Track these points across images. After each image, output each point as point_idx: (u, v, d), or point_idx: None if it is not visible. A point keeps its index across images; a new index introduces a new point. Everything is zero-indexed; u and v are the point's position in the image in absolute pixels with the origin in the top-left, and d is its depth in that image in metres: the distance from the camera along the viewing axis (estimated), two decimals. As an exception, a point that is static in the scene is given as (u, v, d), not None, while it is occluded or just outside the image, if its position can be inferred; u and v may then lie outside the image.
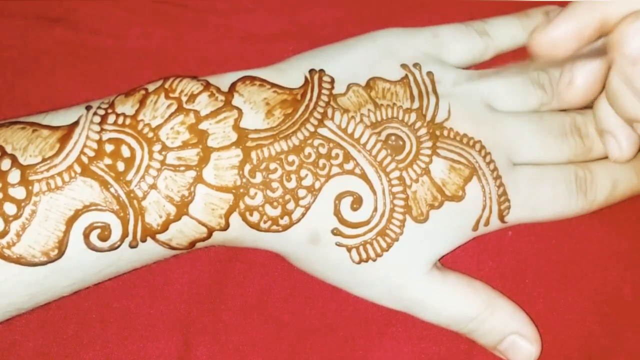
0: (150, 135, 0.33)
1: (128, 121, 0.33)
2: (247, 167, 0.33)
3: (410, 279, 0.35)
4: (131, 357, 0.37)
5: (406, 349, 0.38)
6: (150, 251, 0.33)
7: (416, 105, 0.36)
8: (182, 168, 0.32)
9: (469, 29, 0.39)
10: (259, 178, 0.33)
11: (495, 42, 0.40)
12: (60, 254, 0.32)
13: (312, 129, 0.34)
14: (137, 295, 0.38)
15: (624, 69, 0.31)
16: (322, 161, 0.34)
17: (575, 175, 0.37)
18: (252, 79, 0.35)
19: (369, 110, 0.35)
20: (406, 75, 0.37)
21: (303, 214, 0.34)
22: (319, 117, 0.34)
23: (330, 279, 0.36)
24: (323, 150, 0.34)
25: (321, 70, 0.36)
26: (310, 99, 0.35)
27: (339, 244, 0.34)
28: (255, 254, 0.38)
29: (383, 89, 0.36)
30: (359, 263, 0.35)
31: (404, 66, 0.37)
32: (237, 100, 0.34)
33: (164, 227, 0.33)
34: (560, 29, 0.33)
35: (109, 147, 0.32)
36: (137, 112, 0.33)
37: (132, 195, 0.32)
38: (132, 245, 0.33)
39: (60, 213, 0.31)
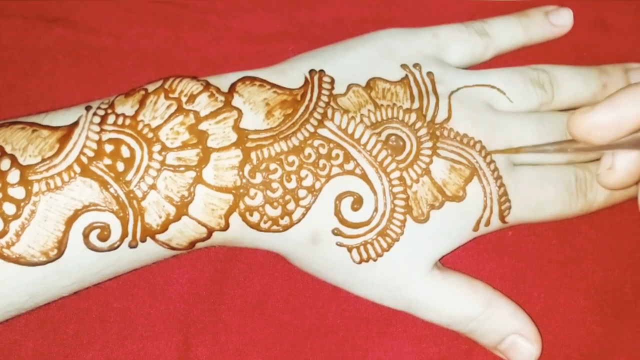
0: (150, 135, 0.33)
1: (128, 121, 0.33)
2: (247, 168, 0.33)
3: (410, 279, 0.35)
4: (131, 357, 0.37)
5: (406, 349, 0.38)
6: (149, 251, 0.33)
7: (416, 105, 0.36)
8: (181, 168, 0.32)
9: (469, 29, 0.39)
10: (259, 178, 0.33)
11: (495, 42, 0.40)
12: (60, 254, 0.32)
13: (312, 129, 0.34)
14: (137, 295, 0.38)
15: None
16: (322, 161, 0.34)
17: (576, 176, 0.37)
18: (252, 79, 0.35)
19: (369, 110, 0.35)
20: (406, 76, 0.37)
21: (303, 214, 0.34)
22: (319, 117, 0.34)
23: (330, 279, 0.36)
24: (323, 151, 0.34)
25: (321, 71, 0.36)
26: (310, 100, 0.35)
27: (339, 244, 0.34)
28: (255, 254, 0.38)
29: (383, 89, 0.36)
30: (359, 263, 0.35)
31: (404, 66, 0.37)
32: (237, 101, 0.34)
33: (164, 227, 0.33)
34: (600, 116, 0.33)
35: (108, 148, 0.32)
36: (137, 112, 0.33)
37: (131, 195, 0.32)
38: (132, 246, 0.33)
39: (59, 213, 0.31)
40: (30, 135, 0.33)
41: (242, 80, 0.35)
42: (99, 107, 0.34)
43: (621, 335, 0.39)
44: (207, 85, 0.34)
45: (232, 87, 0.35)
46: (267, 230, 0.34)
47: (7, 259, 0.31)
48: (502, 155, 0.36)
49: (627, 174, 0.35)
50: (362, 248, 0.34)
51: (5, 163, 0.32)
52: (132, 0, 0.42)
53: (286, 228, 0.34)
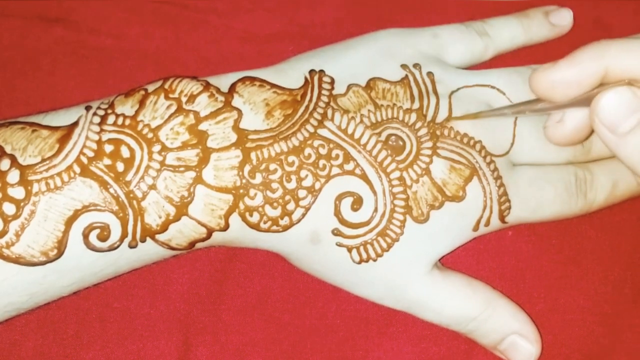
0: (150, 135, 0.33)
1: (128, 122, 0.33)
2: (247, 168, 0.33)
3: (410, 279, 0.35)
4: (131, 357, 0.37)
5: (406, 349, 0.38)
6: (149, 251, 0.33)
7: (416, 105, 0.36)
8: (181, 169, 0.32)
9: (469, 29, 0.39)
10: (258, 179, 0.33)
11: (495, 42, 0.40)
12: (60, 254, 0.32)
13: (312, 129, 0.34)
14: (137, 295, 0.38)
15: (601, 135, 0.32)
16: (322, 162, 0.34)
17: (575, 176, 0.37)
18: (252, 79, 0.35)
19: (369, 110, 0.35)
20: (406, 76, 0.37)
21: (303, 215, 0.34)
22: (319, 117, 0.34)
23: (330, 279, 0.36)
24: (323, 151, 0.34)
25: (321, 71, 0.36)
26: (310, 100, 0.35)
27: (339, 244, 0.34)
28: (255, 254, 0.38)
29: (383, 89, 0.36)
30: (359, 263, 0.35)
31: (404, 66, 0.37)
32: (236, 101, 0.34)
33: (164, 228, 0.33)
34: (561, 73, 0.33)
35: (108, 148, 0.32)
36: (137, 112, 0.33)
37: (131, 195, 0.32)
38: (132, 246, 0.33)
39: (59, 213, 0.31)
40: (30, 135, 0.33)
41: (242, 80, 0.35)
42: (98, 107, 0.34)
43: (621, 335, 0.39)
44: (207, 86, 0.34)
45: (232, 87, 0.35)
46: (267, 231, 0.34)
47: (7, 259, 0.31)
48: (502, 155, 0.36)
49: (574, 129, 0.35)
50: (362, 248, 0.34)
51: (5, 163, 0.32)
52: (132, 0, 0.42)
53: (286, 228, 0.34)
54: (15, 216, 0.31)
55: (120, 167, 0.32)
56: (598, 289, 0.39)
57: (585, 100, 0.32)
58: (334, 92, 0.35)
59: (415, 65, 0.37)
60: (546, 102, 0.34)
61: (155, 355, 0.38)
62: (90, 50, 0.41)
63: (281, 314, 0.38)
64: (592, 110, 0.31)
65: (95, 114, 0.33)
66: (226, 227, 0.33)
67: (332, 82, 0.36)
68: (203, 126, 0.33)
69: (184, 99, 0.34)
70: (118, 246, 0.32)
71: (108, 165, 0.32)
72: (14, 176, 0.31)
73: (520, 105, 0.35)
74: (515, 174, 0.37)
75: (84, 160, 0.32)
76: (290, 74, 0.36)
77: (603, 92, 0.31)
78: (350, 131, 0.35)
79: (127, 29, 0.42)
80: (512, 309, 0.37)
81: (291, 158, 0.34)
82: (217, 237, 0.34)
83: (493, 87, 0.38)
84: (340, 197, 0.34)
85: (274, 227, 0.34)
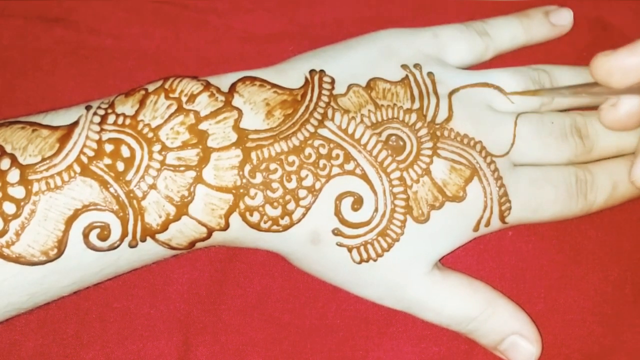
0: (150, 135, 0.33)
1: (128, 121, 0.33)
2: (247, 168, 0.33)
3: (411, 279, 0.35)
4: (131, 357, 0.37)
5: (406, 349, 0.38)
6: (149, 251, 0.33)
7: (417, 105, 0.36)
8: (181, 168, 0.32)
9: (469, 29, 0.39)
10: (259, 178, 0.33)
11: (495, 42, 0.40)
12: (60, 253, 0.32)
13: (312, 129, 0.34)
14: (137, 295, 0.38)
15: None
16: (322, 161, 0.34)
17: (576, 177, 0.37)
18: (252, 79, 0.35)
19: (369, 110, 0.35)
20: (407, 76, 0.37)
21: (304, 214, 0.34)
22: (319, 117, 0.34)
23: (330, 279, 0.36)
24: (323, 151, 0.34)
25: (321, 71, 0.36)
26: (311, 100, 0.35)
27: (339, 244, 0.34)
28: (255, 254, 0.38)
29: (383, 89, 0.36)
30: (359, 263, 0.35)
31: (404, 66, 0.37)
32: (237, 101, 0.34)
33: (164, 227, 0.33)
34: (621, 60, 0.33)
35: (108, 147, 0.32)
36: (137, 112, 0.33)
37: (131, 195, 0.32)
38: (132, 245, 0.33)
39: (59, 212, 0.31)
40: (30, 135, 0.33)
41: (243, 80, 0.35)
42: (99, 107, 0.34)
43: (621, 335, 0.39)
44: (208, 85, 0.34)
45: (233, 87, 0.35)
46: (267, 230, 0.34)
47: (7, 258, 0.31)
48: (502, 155, 0.36)
49: (627, 114, 0.36)
50: (362, 248, 0.34)
51: (5, 162, 0.32)
52: (132, 0, 0.42)
53: (286, 228, 0.34)
54: (16, 215, 0.31)
55: (120, 166, 0.32)
56: (598, 289, 0.39)
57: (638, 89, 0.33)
58: (335, 92, 0.35)
59: (416, 66, 0.37)
60: (603, 86, 0.35)
61: (155, 355, 0.38)
62: (90, 50, 0.41)
63: (281, 314, 0.38)
64: None
65: (95, 113, 0.33)
66: (226, 227, 0.33)
67: (333, 82, 0.36)
68: (203, 126, 0.33)
69: (184, 99, 0.34)
70: (118, 246, 0.32)
71: (108, 164, 0.32)
72: (14, 175, 0.31)
73: (578, 86, 0.36)
74: (516, 174, 0.37)
75: (84, 159, 0.32)
76: (290, 74, 0.36)
77: None
78: (350, 131, 0.35)
79: (127, 29, 0.42)
80: (512, 309, 0.37)
81: (291, 158, 0.34)
82: (218, 237, 0.34)
83: (494, 87, 0.38)
84: (340, 197, 0.34)
85: (274, 227, 0.34)
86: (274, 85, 0.35)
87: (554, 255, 0.40)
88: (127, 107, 0.33)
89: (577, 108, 0.39)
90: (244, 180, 0.33)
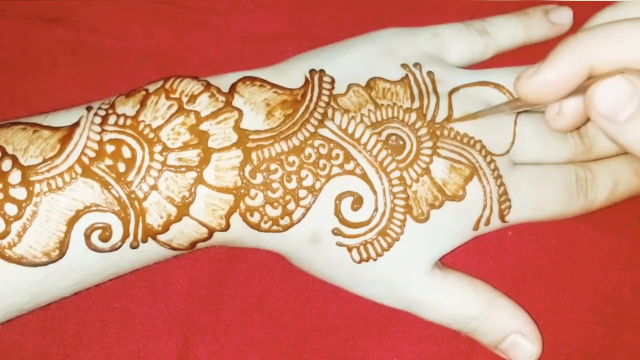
0: (151, 136, 0.33)
1: (129, 122, 0.33)
2: (248, 168, 0.33)
3: (411, 278, 0.35)
4: (131, 357, 0.37)
5: (406, 349, 0.38)
6: (151, 252, 0.33)
7: (416, 105, 0.36)
8: (182, 169, 0.32)
9: (469, 29, 0.39)
10: (259, 179, 0.33)
11: (495, 41, 0.40)
12: (61, 254, 0.32)
13: (312, 129, 0.34)
14: (137, 295, 0.38)
15: (600, 126, 0.30)
16: (322, 161, 0.34)
17: (576, 175, 0.37)
18: (253, 79, 0.35)
19: (369, 110, 0.35)
20: (406, 75, 0.37)
21: (304, 214, 0.34)
22: (319, 117, 0.34)
23: (330, 279, 0.36)
24: (323, 151, 0.34)
25: (321, 71, 0.36)
26: (311, 100, 0.35)
27: (339, 244, 0.34)
28: (255, 254, 0.38)
29: (383, 89, 0.36)
30: (359, 263, 0.35)
31: (404, 66, 0.37)
32: (237, 101, 0.34)
33: (165, 228, 0.33)
34: (543, 77, 0.31)
35: (109, 148, 0.32)
36: (138, 112, 0.33)
37: (133, 196, 0.32)
38: (133, 246, 0.33)
39: (61, 214, 0.31)
40: (32, 136, 0.33)
41: (243, 80, 0.35)
42: (99, 108, 0.34)
43: (621, 335, 0.39)
44: (208, 86, 0.34)
45: (233, 88, 0.35)
46: (268, 231, 0.34)
47: (9, 259, 0.31)
48: (502, 154, 0.36)
49: (574, 117, 0.34)
50: (362, 248, 0.34)
51: (7, 164, 0.32)
52: (132, 0, 0.42)
53: (286, 228, 0.34)
54: (17, 217, 0.31)
55: (121, 167, 0.32)
56: (598, 289, 0.39)
57: (579, 90, 0.31)
58: (334, 91, 0.35)
59: (416, 65, 0.37)
60: None
61: (155, 355, 0.38)
62: (90, 50, 0.41)
63: (281, 314, 0.38)
64: (588, 103, 0.30)
65: (96, 114, 0.33)
66: (227, 227, 0.33)
67: (333, 81, 0.36)
68: (204, 126, 0.33)
69: (184, 99, 0.34)
70: (119, 246, 0.32)
71: (109, 165, 0.32)
72: (15, 177, 0.31)
73: (516, 101, 0.34)
74: (516, 173, 0.37)
75: (86, 160, 0.32)
76: (290, 73, 0.36)
77: (596, 85, 0.30)
78: (350, 131, 0.35)
79: (127, 29, 0.41)
80: (512, 308, 0.37)
81: (292, 158, 0.34)
82: (218, 237, 0.34)
83: (493, 86, 0.38)
84: (340, 197, 0.34)
85: (275, 227, 0.34)
86: (274, 85, 0.35)
87: (554, 255, 0.40)
88: (127, 107, 0.33)
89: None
90: (245, 181, 0.33)
